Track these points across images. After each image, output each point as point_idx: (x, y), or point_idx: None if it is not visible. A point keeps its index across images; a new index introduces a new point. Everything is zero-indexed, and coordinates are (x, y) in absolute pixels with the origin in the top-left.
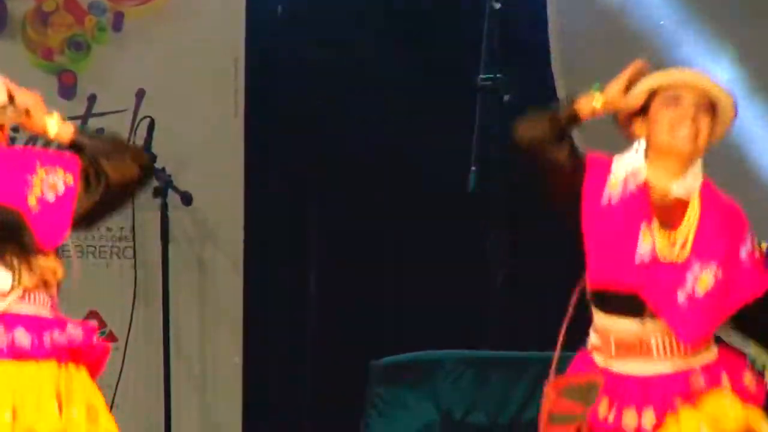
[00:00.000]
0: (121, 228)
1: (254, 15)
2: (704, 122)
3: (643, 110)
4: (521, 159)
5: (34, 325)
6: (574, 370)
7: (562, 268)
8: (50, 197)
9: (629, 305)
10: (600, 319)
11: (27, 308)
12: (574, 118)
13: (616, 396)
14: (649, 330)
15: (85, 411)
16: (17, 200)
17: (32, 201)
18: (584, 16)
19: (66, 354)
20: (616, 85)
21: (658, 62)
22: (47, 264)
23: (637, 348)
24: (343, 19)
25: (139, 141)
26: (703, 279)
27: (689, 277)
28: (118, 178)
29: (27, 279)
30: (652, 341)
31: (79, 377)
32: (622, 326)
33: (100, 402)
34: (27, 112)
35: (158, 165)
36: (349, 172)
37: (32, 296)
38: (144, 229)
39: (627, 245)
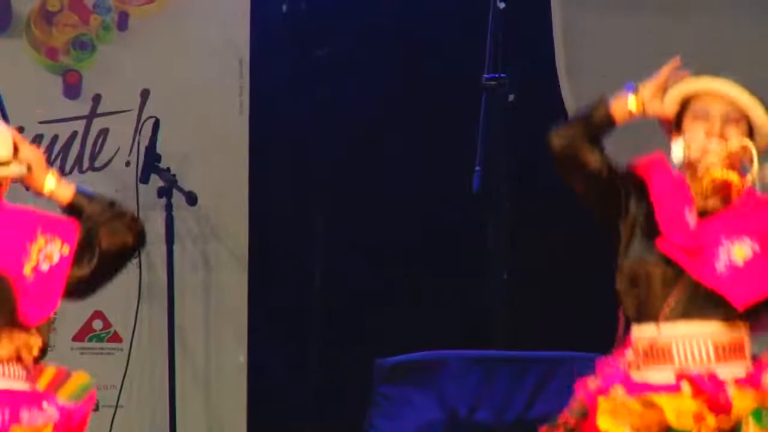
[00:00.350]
0: None
1: (259, 15)
2: (734, 132)
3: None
4: (556, 168)
5: (7, 400)
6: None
7: (567, 268)
8: (44, 267)
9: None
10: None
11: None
12: (609, 122)
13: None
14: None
15: None
16: (13, 268)
17: (27, 270)
18: (589, 15)
19: None
20: (650, 88)
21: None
22: (25, 339)
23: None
24: (347, 19)
25: (144, 141)
26: (737, 250)
27: (722, 251)
28: (113, 248)
29: (1, 348)
30: (673, 348)
31: None
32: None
33: None
34: (29, 168)
35: (163, 165)
36: (353, 171)
37: (5, 368)
38: (149, 228)
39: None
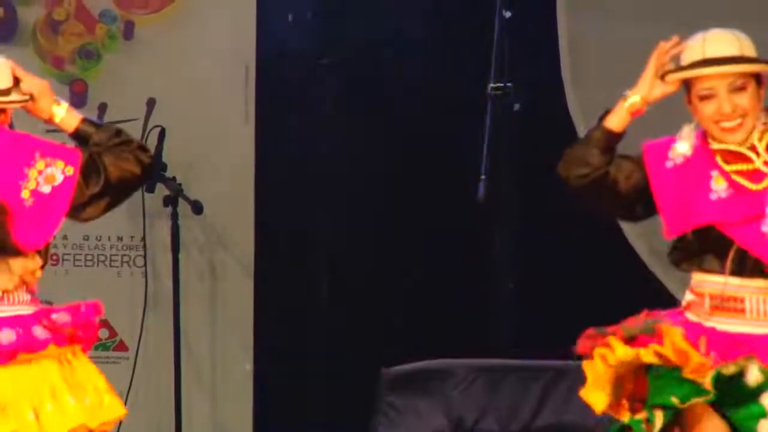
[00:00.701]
0: (132, 237)
1: (265, 23)
2: (745, 97)
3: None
4: (573, 195)
5: (18, 323)
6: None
7: (572, 276)
8: (46, 189)
9: (715, 250)
10: (696, 277)
11: (7, 310)
12: (612, 136)
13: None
14: (738, 287)
15: (95, 396)
16: (9, 193)
17: (25, 194)
18: (594, 25)
19: (60, 340)
20: (646, 78)
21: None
22: (26, 265)
23: (731, 306)
24: (352, 27)
25: (150, 150)
26: None
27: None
28: (118, 174)
29: (6, 281)
30: (746, 302)
31: (79, 364)
32: (714, 282)
33: (102, 383)
34: (32, 98)
35: (168, 174)
36: (358, 179)
37: (11, 297)
38: (155, 237)
39: (700, 192)
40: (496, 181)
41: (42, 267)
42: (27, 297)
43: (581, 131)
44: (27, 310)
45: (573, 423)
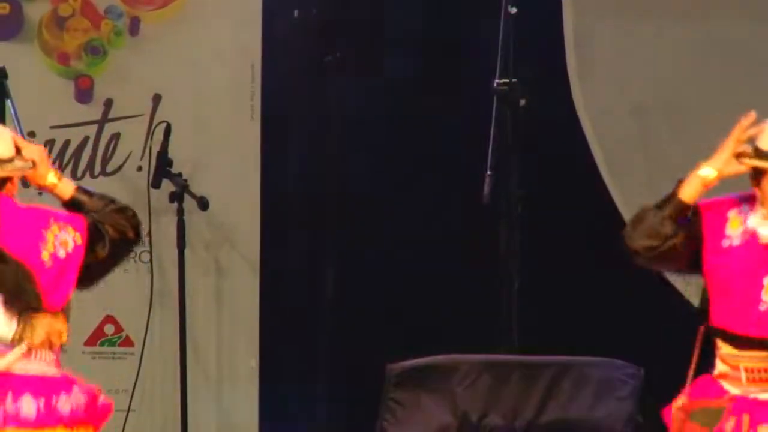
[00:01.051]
0: None
1: (270, 19)
2: None
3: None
4: (635, 260)
5: (41, 388)
6: (702, 395)
7: (578, 273)
8: (61, 254)
9: (757, 344)
10: (727, 349)
11: (32, 367)
12: (685, 207)
13: (751, 414)
14: None
15: None
16: (32, 255)
17: (45, 256)
18: (600, 21)
19: (72, 420)
20: (723, 155)
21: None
22: (54, 325)
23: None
24: (358, 23)
25: (156, 145)
26: None
27: None
28: (118, 236)
29: (33, 336)
30: None
31: None
32: (752, 357)
33: None
34: (34, 164)
35: (174, 170)
36: (365, 175)
37: (38, 354)
38: (160, 233)
39: (751, 293)
40: (502, 177)
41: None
42: (52, 357)
43: (587, 127)
44: (51, 370)
45: (578, 418)
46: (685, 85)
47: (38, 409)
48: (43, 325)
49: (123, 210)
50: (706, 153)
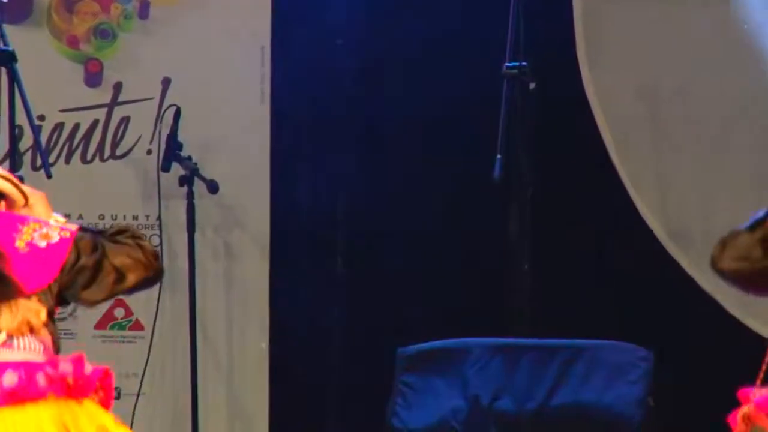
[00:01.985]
0: (147, 216)
1: (280, 2)
2: None
3: None
4: (730, 283)
5: (24, 367)
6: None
7: (589, 255)
8: (42, 243)
9: None
10: None
11: (16, 355)
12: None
13: None
14: None
15: None
16: (4, 242)
17: (20, 244)
18: (610, 4)
19: (63, 390)
20: None
21: None
22: (30, 306)
23: None
24: (368, 5)
25: (165, 129)
26: None
27: None
28: (119, 257)
29: (8, 321)
30: None
31: (84, 410)
32: None
33: (110, 422)
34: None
35: (184, 153)
36: (375, 159)
37: (21, 343)
38: (170, 217)
39: None
40: (512, 160)
41: (51, 314)
42: (38, 346)
43: (597, 112)
44: (37, 358)
45: (589, 401)
46: (695, 67)
47: (21, 379)
48: (19, 307)
49: (123, 231)
50: (716, 136)
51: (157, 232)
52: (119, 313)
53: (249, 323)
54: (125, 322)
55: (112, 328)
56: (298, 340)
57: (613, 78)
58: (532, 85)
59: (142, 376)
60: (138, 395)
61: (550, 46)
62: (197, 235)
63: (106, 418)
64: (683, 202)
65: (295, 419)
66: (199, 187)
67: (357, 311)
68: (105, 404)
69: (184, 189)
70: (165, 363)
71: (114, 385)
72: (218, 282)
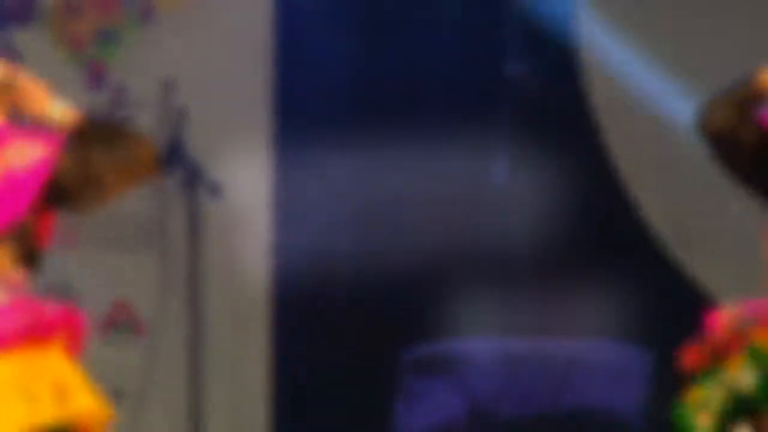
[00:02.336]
0: (150, 218)
1: (283, 3)
2: None
3: None
4: (708, 148)
5: None
6: None
7: (593, 256)
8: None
9: None
10: None
11: None
12: (762, 96)
13: None
14: None
15: (52, 394)
16: None
17: None
18: (614, 2)
19: (17, 340)
20: None
21: None
22: None
23: None
24: (372, 6)
25: (169, 131)
26: None
27: None
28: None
29: None
30: None
31: (43, 362)
32: None
33: (71, 378)
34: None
35: (187, 155)
36: (378, 159)
37: None
38: (173, 218)
39: None
40: (514, 161)
41: (30, 260)
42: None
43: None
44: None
45: (590, 404)
46: (698, 49)
47: None
48: None
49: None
50: None
51: (159, 233)
52: (121, 315)
53: (251, 325)
54: (127, 326)
55: (113, 329)
56: (301, 343)
57: (617, 77)
58: (534, 87)
59: (143, 377)
60: (140, 397)
61: (552, 47)
62: (200, 237)
63: (68, 375)
64: (683, 201)
65: (295, 420)
66: (201, 188)
67: (360, 314)
68: (73, 348)
69: (187, 191)
70: (167, 366)
71: (83, 325)
72: (221, 284)
